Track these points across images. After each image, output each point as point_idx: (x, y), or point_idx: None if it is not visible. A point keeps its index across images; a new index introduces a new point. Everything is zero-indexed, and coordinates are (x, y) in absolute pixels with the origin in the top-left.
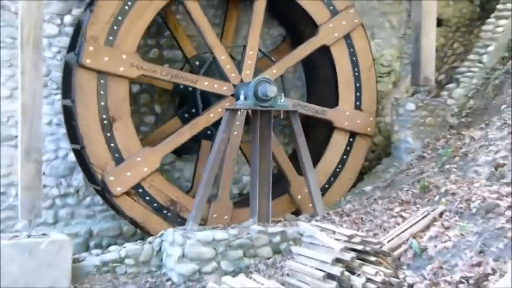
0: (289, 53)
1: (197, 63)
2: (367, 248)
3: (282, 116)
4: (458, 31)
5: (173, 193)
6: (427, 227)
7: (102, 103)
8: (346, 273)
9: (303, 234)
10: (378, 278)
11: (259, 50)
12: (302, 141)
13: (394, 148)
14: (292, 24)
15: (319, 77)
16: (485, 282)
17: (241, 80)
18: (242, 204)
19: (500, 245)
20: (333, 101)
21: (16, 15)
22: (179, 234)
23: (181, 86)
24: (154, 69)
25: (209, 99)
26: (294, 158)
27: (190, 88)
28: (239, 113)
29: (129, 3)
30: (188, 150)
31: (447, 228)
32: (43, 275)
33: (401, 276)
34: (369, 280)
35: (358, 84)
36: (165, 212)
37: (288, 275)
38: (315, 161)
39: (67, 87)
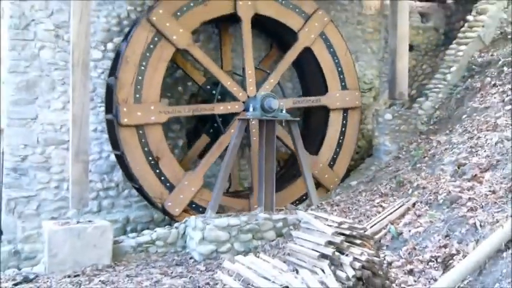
0: (279, 62)
1: (208, 87)
2: (354, 233)
3: (283, 124)
4: (427, 55)
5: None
6: (403, 215)
7: (146, 148)
8: (337, 253)
9: (301, 220)
10: (363, 257)
11: (279, 85)
12: (300, 145)
13: (374, 150)
14: (276, 34)
15: (308, 72)
16: (451, 261)
17: (248, 96)
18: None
19: (463, 230)
20: (323, 88)
21: (68, 43)
22: (200, 220)
23: (208, 87)
24: (178, 110)
25: (225, 115)
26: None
27: (214, 91)
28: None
29: (144, 63)
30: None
31: (419, 216)
32: (89, 254)
33: (382, 255)
34: (355, 259)
35: (339, 69)
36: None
37: (289, 254)
38: (321, 138)
39: (109, 105)
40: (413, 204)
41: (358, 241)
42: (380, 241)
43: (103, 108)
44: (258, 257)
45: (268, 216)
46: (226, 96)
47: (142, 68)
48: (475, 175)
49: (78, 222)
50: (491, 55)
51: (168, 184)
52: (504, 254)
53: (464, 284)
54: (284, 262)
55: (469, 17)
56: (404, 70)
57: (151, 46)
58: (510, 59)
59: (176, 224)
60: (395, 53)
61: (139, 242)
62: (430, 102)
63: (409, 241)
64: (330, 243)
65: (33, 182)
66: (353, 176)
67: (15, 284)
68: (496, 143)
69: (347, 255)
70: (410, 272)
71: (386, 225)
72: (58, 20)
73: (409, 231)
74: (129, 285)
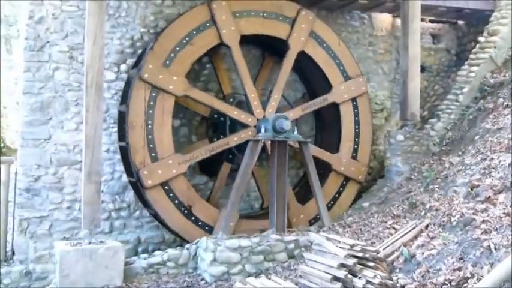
0: (278, 75)
1: (231, 100)
2: (366, 255)
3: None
4: (438, 76)
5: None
6: (415, 237)
7: (176, 201)
8: (349, 276)
9: (312, 242)
10: (376, 280)
11: (283, 97)
12: (312, 167)
13: (386, 171)
14: (267, 44)
15: (308, 73)
16: (465, 284)
17: (264, 116)
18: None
19: (477, 253)
20: (326, 85)
21: (82, 64)
22: (211, 242)
23: (215, 116)
24: (195, 155)
25: (236, 129)
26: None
27: (222, 118)
28: (260, 142)
29: (150, 121)
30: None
31: (432, 238)
32: (100, 275)
33: (394, 278)
34: (368, 282)
35: (337, 61)
36: (182, 208)
37: (300, 276)
38: (338, 133)
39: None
40: (426, 226)
41: (370, 263)
42: (393, 263)
43: (115, 129)
44: (270, 278)
45: (279, 238)
46: (236, 125)
47: (150, 126)
48: (489, 197)
49: (89, 242)
50: (504, 76)
51: (207, 228)
52: None
53: None
54: (296, 284)
55: (481, 38)
56: (416, 91)
57: (152, 103)
58: None
59: (187, 245)
60: (407, 74)
61: (151, 263)
62: (442, 123)
63: (423, 264)
64: (342, 265)
65: (46, 202)
66: (365, 197)
67: None
68: (509, 165)
69: (360, 278)
70: None
71: (399, 248)
72: (72, 42)
73: (422, 253)
74: None
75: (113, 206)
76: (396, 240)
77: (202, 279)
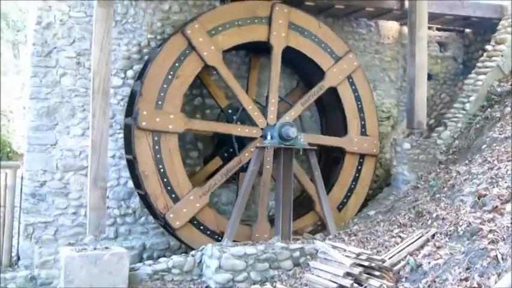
0: (303, 97)
1: (230, 111)
2: (372, 264)
3: (301, 153)
4: (445, 84)
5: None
6: (422, 246)
7: (158, 155)
8: (355, 285)
9: (318, 250)
10: None
11: (279, 96)
12: (318, 174)
13: (393, 179)
14: (304, 71)
15: (329, 110)
16: None
17: (267, 124)
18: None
19: (484, 263)
20: (342, 129)
21: (89, 70)
22: (216, 249)
23: (230, 111)
24: (197, 123)
25: (242, 139)
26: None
27: (234, 116)
28: (266, 149)
29: (172, 72)
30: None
31: (438, 247)
32: (105, 281)
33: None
34: None
35: (362, 114)
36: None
37: (306, 285)
38: (341, 110)
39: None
40: (433, 236)
41: (376, 273)
42: (399, 273)
43: (121, 135)
44: (275, 286)
45: (285, 246)
46: (245, 122)
47: (162, 170)
48: (496, 206)
49: (94, 248)
50: (511, 85)
51: (173, 195)
52: None
53: None
54: None
55: (488, 47)
56: (423, 99)
57: (182, 58)
58: None
59: (192, 252)
60: (414, 82)
61: (156, 270)
62: (449, 131)
63: (429, 273)
64: (348, 274)
65: (51, 207)
66: (371, 206)
67: None
68: None
69: (366, 287)
70: None
71: (405, 257)
72: (80, 48)
73: (429, 263)
74: None
75: (119, 212)
76: (402, 249)
77: (207, 287)
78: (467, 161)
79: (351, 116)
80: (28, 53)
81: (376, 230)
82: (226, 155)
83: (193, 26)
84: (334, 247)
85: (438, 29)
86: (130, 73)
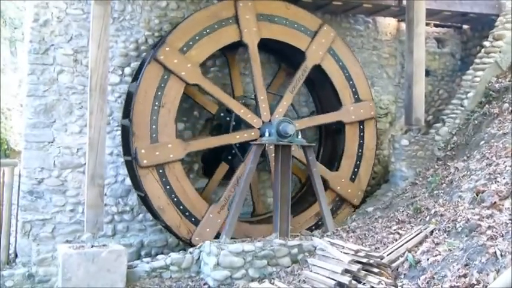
0: (290, 83)
1: (222, 114)
2: (371, 261)
3: (299, 149)
4: (443, 80)
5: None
6: (420, 243)
7: (168, 187)
8: (354, 282)
9: (316, 247)
10: (380, 286)
11: (292, 105)
12: (316, 171)
13: (391, 176)
14: (284, 54)
15: (320, 88)
16: None
17: (270, 120)
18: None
19: (483, 260)
20: (336, 102)
21: (86, 67)
22: (214, 246)
23: (222, 114)
24: (196, 145)
25: (240, 129)
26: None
27: (228, 118)
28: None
29: (156, 103)
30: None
31: (437, 244)
32: (103, 278)
33: (399, 284)
34: None
35: (351, 82)
36: (173, 196)
37: (304, 282)
38: (340, 152)
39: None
40: (431, 232)
41: (375, 269)
42: (397, 269)
43: (119, 132)
44: (273, 283)
45: (283, 242)
46: (241, 121)
47: (156, 107)
48: (494, 202)
49: (92, 246)
50: (509, 81)
51: (193, 219)
52: None
53: None
54: None
55: (486, 43)
56: (421, 95)
57: (162, 85)
58: None
59: (191, 249)
60: (412, 78)
61: (154, 267)
62: (447, 128)
63: (427, 270)
64: (346, 271)
65: (49, 205)
66: (369, 202)
67: None
68: None
69: (364, 284)
70: None
71: (404, 253)
72: (77, 45)
73: (427, 259)
74: None
75: (116, 209)
76: (401, 245)
77: (205, 284)
78: (465, 157)
79: (341, 87)
80: (25, 51)
81: (375, 227)
82: (230, 157)
83: (163, 49)
84: (333, 244)
85: (436, 25)
86: (127, 70)
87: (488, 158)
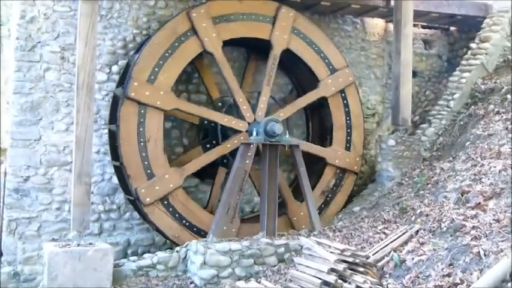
0: (294, 101)
1: (220, 104)
2: (357, 260)
3: (286, 149)
4: (430, 81)
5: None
6: (406, 243)
7: (141, 129)
8: (339, 281)
9: (303, 246)
10: (366, 286)
11: (272, 97)
12: (303, 170)
13: (377, 176)
14: (251, 45)
15: (296, 71)
16: None
17: (255, 120)
18: (254, 220)
19: (467, 259)
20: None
21: (73, 65)
22: (201, 245)
23: (206, 122)
24: (185, 105)
25: (227, 133)
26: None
27: (213, 124)
28: (251, 146)
29: (170, 51)
30: (210, 175)
31: (422, 244)
32: (89, 277)
33: (384, 283)
34: (358, 287)
35: (322, 55)
36: (183, 221)
37: (290, 281)
38: (330, 126)
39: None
40: (417, 232)
41: (361, 269)
42: (383, 269)
43: (106, 131)
44: (260, 282)
45: (270, 242)
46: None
47: (167, 54)
48: (479, 203)
49: (78, 244)
50: (495, 82)
51: (149, 171)
52: (509, 285)
53: None
54: None
55: (472, 45)
56: (408, 96)
57: (182, 38)
58: None
59: (177, 248)
60: (399, 79)
61: (140, 266)
62: (433, 128)
63: (412, 269)
64: (332, 270)
65: (35, 203)
66: (356, 202)
67: None
68: (499, 171)
69: (350, 283)
70: None
71: (389, 253)
72: (64, 43)
73: (412, 259)
74: None
75: (103, 208)
76: (386, 245)
77: (191, 283)
78: (451, 158)
79: (314, 64)
80: (12, 48)
81: (361, 226)
82: (208, 146)
83: (132, 85)
84: (319, 243)
85: (423, 27)
86: (115, 68)
87: (473, 159)
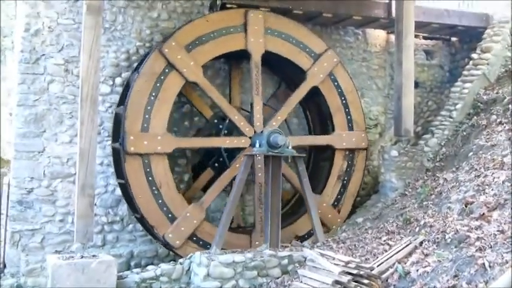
0: (287, 100)
1: (216, 121)
2: (361, 272)
3: (289, 160)
4: (432, 92)
5: None
6: (410, 254)
7: (150, 178)
8: None
9: (306, 258)
10: None
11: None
12: (306, 181)
13: (381, 187)
14: (285, 72)
15: (314, 110)
16: None
17: (255, 132)
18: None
19: (472, 271)
20: (329, 127)
21: (77, 77)
22: (205, 256)
23: (216, 121)
24: (185, 142)
25: (231, 149)
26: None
27: (220, 126)
28: (257, 157)
29: (154, 93)
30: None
31: (426, 255)
32: None
33: None
34: None
35: (347, 109)
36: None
37: None
38: (326, 177)
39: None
40: (421, 243)
41: (365, 281)
42: (387, 280)
43: (110, 142)
44: None
45: (273, 253)
46: (233, 131)
47: (152, 98)
48: (483, 214)
49: (82, 256)
50: (497, 93)
51: (170, 215)
52: None
53: None
54: None
55: (474, 55)
56: (410, 107)
57: (162, 77)
58: None
59: (181, 260)
60: (401, 89)
61: (144, 278)
62: (436, 139)
63: (417, 281)
64: (337, 282)
65: (38, 215)
66: (359, 213)
67: None
68: (503, 182)
69: None
70: None
71: (394, 264)
72: (68, 55)
73: (417, 270)
74: None
75: (106, 220)
76: (390, 256)
77: None
78: (454, 169)
79: (336, 113)
80: (15, 60)
81: (365, 237)
82: (216, 165)
83: (170, 44)
84: (323, 255)
85: (425, 38)
86: (118, 80)
87: (476, 170)
